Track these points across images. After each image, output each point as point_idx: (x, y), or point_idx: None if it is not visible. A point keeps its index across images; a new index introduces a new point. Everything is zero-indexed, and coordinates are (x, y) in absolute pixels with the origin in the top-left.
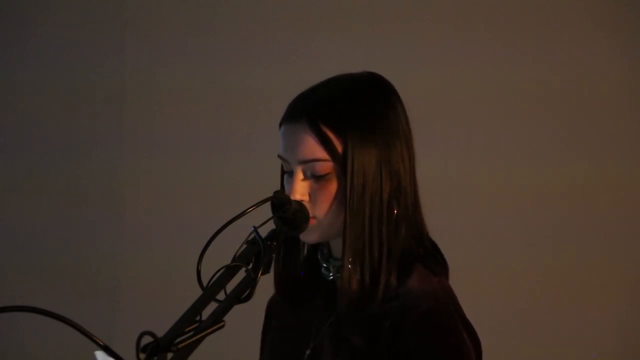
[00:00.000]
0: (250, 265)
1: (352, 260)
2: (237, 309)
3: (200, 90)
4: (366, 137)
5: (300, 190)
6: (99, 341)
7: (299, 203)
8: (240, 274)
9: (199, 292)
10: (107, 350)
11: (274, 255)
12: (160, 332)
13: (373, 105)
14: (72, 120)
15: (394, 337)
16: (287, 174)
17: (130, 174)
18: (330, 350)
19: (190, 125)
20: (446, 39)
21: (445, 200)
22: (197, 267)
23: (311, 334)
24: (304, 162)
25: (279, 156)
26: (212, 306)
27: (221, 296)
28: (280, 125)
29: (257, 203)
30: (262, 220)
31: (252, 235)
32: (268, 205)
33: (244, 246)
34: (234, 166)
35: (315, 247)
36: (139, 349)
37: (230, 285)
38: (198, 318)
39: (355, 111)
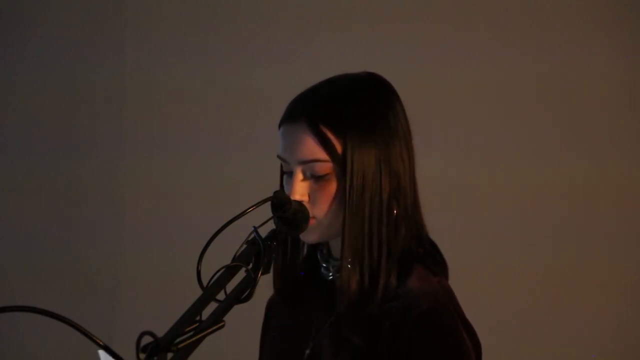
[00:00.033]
0: (250, 265)
1: (352, 261)
2: (237, 309)
3: (200, 90)
4: (366, 138)
5: (299, 190)
6: (99, 341)
7: (299, 203)
8: (240, 274)
9: (199, 292)
10: (107, 350)
11: (274, 255)
12: (160, 332)
13: (372, 105)
14: (72, 120)
15: (394, 337)
16: (286, 174)
17: (130, 174)
18: (330, 350)
19: (190, 125)
20: (446, 39)
21: (445, 200)
22: (197, 267)
23: (311, 334)
24: (304, 163)
25: (279, 156)
26: (212, 306)
27: (221, 296)
28: (280, 125)
29: (257, 203)
30: (262, 220)
31: (252, 235)
32: (268, 205)
33: (244, 246)
34: (234, 166)
35: (314, 247)
36: (139, 349)
37: (230, 285)
38: (198, 318)
39: (354, 111)
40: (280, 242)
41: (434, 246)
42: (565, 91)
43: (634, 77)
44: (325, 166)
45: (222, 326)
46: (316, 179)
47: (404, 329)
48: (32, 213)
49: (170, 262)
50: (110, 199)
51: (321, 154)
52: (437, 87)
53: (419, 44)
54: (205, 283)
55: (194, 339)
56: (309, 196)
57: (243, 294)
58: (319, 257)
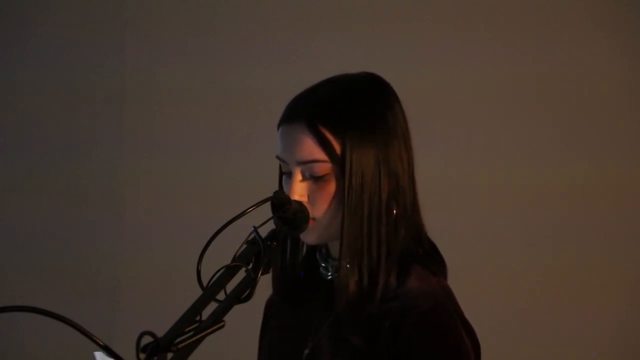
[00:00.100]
0: (250, 265)
1: (351, 261)
2: (237, 309)
3: (200, 90)
4: (364, 138)
5: (298, 191)
6: (99, 341)
7: (299, 203)
8: (240, 274)
9: (199, 292)
10: (107, 350)
11: (274, 256)
12: (160, 332)
13: (371, 105)
14: (72, 120)
15: (393, 337)
16: (285, 174)
17: (130, 174)
18: (329, 350)
19: (190, 125)
20: (446, 39)
21: (445, 200)
22: (197, 267)
23: (310, 334)
24: (303, 163)
25: (278, 157)
26: (212, 306)
27: (221, 296)
28: (279, 126)
29: (257, 203)
30: (262, 220)
31: (252, 235)
32: (268, 205)
33: (244, 246)
34: (234, 166)
35: (314, 247)
36: (139, 349)
37: (230, 285)
38: (198, 318)
39: (353, 112)
40: (280, 242)
41: (433, 246)
42: (565, 91)
43: (634, 77)
44: (324, 166)
45: (222, 326)
46: (315, 180)
47: (403, 329)
48: (32, 213)
49: (170, 262)
50: (110, 199)
51: (320, 154)
52: (437, 87)
53: (419, 44)
54: (205, 283)
55: (194, 339)
56: (308, 197)
57: (243, 294)
58: (318, 257)
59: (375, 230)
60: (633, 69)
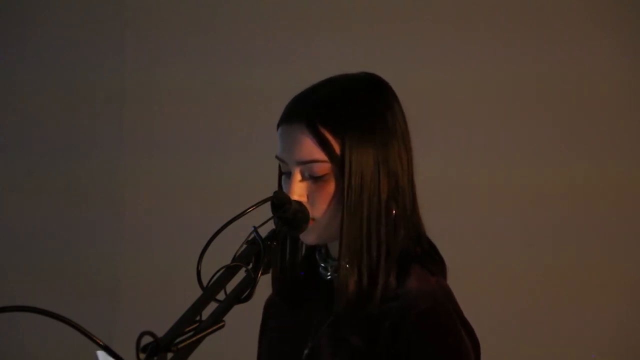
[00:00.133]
0: (250, 265)
1: (350, 261)
2: (237, 309)
3: (200, 90)
4: (364, 138)
5: (298, 191)
6: (99, 341)
7: (299, 203)
8: (240, 274)
9: (199, 292)
10: (107, 350)
11: (274, 256)
12: (160, 332)
13: (370, 105)
14: (72, 120)
15: (393, 337)
16: (285, 174)
17: (130, 174)
18: (328, 350)
19: (190, 125)
20: (446, 39)
21: (445, 200)
22: (197, 267)
23: (310, 334)
24: (302, 163)
25: (277, 157)
26: (212, 306)
27: (221, 296)
28: (278, 126)
29: (257, 203)
30: (262, 220)
31: (252, 235)
32: (268, 205)
33: (244, 246)
34: (234, 166)
35: (313, 247)
36: (139, 349)
37: (230, 285)
38: (198, 318)
39: (352, 112)
40: (280, 242)
41: (432, 246)
42: (565, 91)
43: (634, 77)
44: (324, 167)
45: (222, 326)
46: (314, 180)
47: (403, 329)
48: (32, 213)
49: (170, 262)
50: (110, 199)
51: (319, 154)
52: (437, 87)
53: (419, 44)
54: (205, 283)
55: (194, 339)
56: (307, 197)
57: (243, 294)
58: (317, 257)
59: (375, 231)
60: (633, 69)
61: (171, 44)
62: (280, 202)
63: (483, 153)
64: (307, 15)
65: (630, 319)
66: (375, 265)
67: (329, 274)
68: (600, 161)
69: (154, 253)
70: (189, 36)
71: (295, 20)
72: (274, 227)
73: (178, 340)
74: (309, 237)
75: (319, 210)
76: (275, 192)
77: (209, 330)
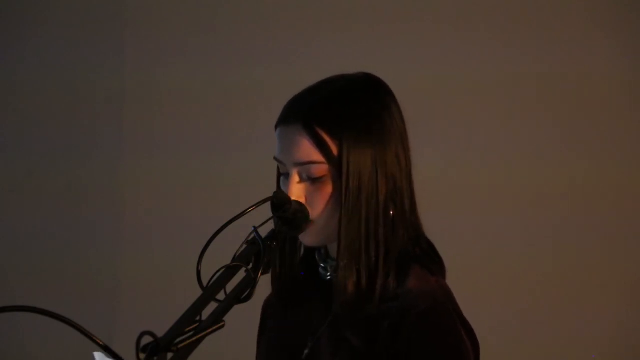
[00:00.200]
0: (250, 265)
1: (348, 262)
2: (237, 309)
3: (200, 90)
4: (361, 139)
5: (296, 192)
6: (99, 341)
7: (299, 203)
8: (241, 274)
9: (199, 292)
10: (107, 350)
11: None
12: (160, 332)
13: (368, 106)
14: (72, 120)
15: (393, 337)
16: (283, 176)
17: (130, 174)
18: (328, 350)
19: (190, 125)
20: (446, 39)
21: (445, 200)
22: (197, 267)
23: (309, 334)
24: (300, 165)
25: (275, 158)
26: (212, 306)
27: (221, 296)
28: (276, 127)
29: (257, 203)
30: (262, 220)
31: (252, 235)
32: (268, 205)
33: (244, 246)
34: (234, 166)
35: (313, 248)
36: (139, 349)
37: (230, 285)
38: (198, 318)
39: (350, 113)
40: (280, 242)
41: (431, 246)
42: (565, 91)
43: (634, 77)
44: (321, 168)
45: (222, 326)
46: (312, 181)
47: (403, 329)
48: (32, 213)
49: (170, 262)
50: (110, 199)
51: (317, 155)
52: (437, 87)
53: (419, 44)
54: (205, 283)
55: (194, 339)
56: (305, 198)
57: (243, 294)
58: (317, 257)
59: (373, 232)
60: (633, 69)
61: (171, 44)
62: (280, 202)
63: (483, 153)
64: (307, 15)
65: (630, 319)
66: (373, 266)
67: (328, 274)
68: (600, 161)
69: (154, 253)
70: (189, 36)
71: (295, 20)
72: (273, 227)
73: (178, 340)
74: (308, 239)
75: (317, 211)
76: (275, 192)
77: (209, 330)
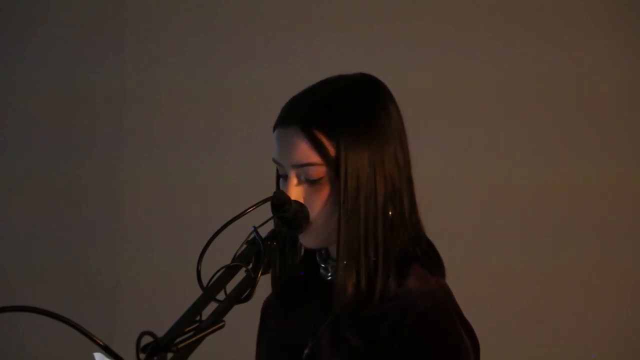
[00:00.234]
0: (250, 265)
1: (348, 264)
2: (237, 309)
3: (200, 90)
4: (359, 140)
5: (294, 194)
6: (99, 341)
7: (299, 203)
8: (240, 274)
9: (199, 292)
10: (107, 350)
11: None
12: (160, 332)
13: (365, 107)
14: (72, 120)
15: (393, 337)
16: (282, 177)
17: (130, 174)
18: (328, 350)
19: (190, 125)
20: (446, 39)
21: (445, 200)
22: (197, 267)
23: (309, 334)
24: (298, 167)
25: (274, 160)
26: (212, 306)
27: (221, 296)
28: (274, 129)
29: (257, 203)
30: (262, 220)
31: (252, 235)
32: (268, 205)
33: (244, 246)
34: (234, 166)
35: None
36: (139, 349)
37: (230, 285)
38: (198, 318)
39: (347, 114)
40: (280, 242)
41: (431, 246)
42: (565, 91)
43: (634, 77)
44: (319, 170)
45: (222, 326)
46: (311, 183)
47: (403, 329)
48: (32, 213)
49: (170, 262)
50: (110, 199)
51: (315, 157)
52: (437, 87)
53: (419, 44)
54: (205, 283)
55: (194, 339)
56: (304, 200)
57: (243, 294)
58: (317, 257)
59: (372, 233)
60: (633, 69)
61: (171, 44)
62: (280, 202)
63: (483, 153)
64: (307, 15)
65: (630, 319)
66: (373, 267)
67: (329, 274)
68: (600, 161)
69: (154, 253)
70: (189, 36)
71: (295, 20)
72: (273, 227)
73: (178, 340)
74: (307, 241)
75: (316, 213)
76: (275, 192)
77: (209, 330)
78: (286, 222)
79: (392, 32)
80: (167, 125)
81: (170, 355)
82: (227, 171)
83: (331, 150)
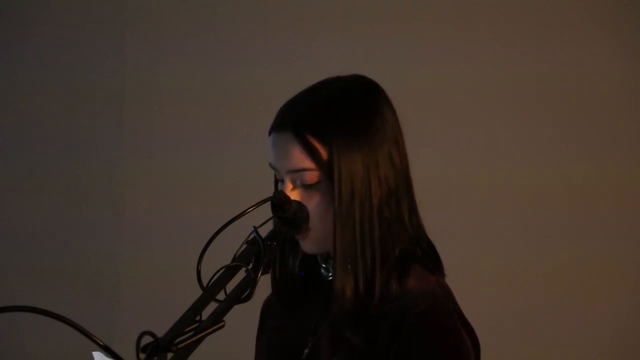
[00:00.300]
0: (250, 265)
1: (345, 268)
2: (237, 309)
3: (200, 90)
4: (352, 144)
5: None
6: (99, 341)
7: (299, 203)
8: (241, 274)
9: (199, 292)
10: (107, 350)
11: (274, 256)
12: (160, 332)
13: (358, 110)
14: (72, 120)
15: (393, 337)
16: (279, 182)
17: (130, 174)
18: (328, 350)
19: (190, 125)
20: (446, 39)
21: (445, 200)
22: (197, 267)
23: (309, 334)
24: (292, 172)
25: (270, 165)
26: (212, 306)
27: (221, 296)
28: (270, 133)
29: (257, 203)
30: (262, 220)
31: (252, 235)
32: (268, 205)
33: (244, 246)
34: (234, 166)
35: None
36: (139, 349)
37: (230, 285)
38: (198, 318)
39: (340, 118)
40: (280, 242)
41: (431, 246)
42: (565, 91)
43: (634, 77)
44: (314, 175)
45: (222, 326)
46: (306, 188)
47: (403, 329)
48: (32, 213)
49: (170, 262)
50: (110, 199)
51: (308, 163)
52: (437, 87)
53: (419, 44)
54: (205, 283)
55: (194, 339)
56: None
57: (243, 294)
58: (318, 257)
59: (368, 236)
60: (633, 69)
61: (171, 44)
62: (280, 202)
63: (483, 153)
64: (307, 15)
65: (630, 319)
66: (370, 270)
67: (330, 274)
68: (600, 161)
69: (154, 253)
70: (189, 36)
71: (295, 20)
72: (273, 227)
73: (178, 340)
74: (307, 246)
75: (313, 217)
76: (275, 192)
77: (209, 330)
78: (286, 222)
79: (392, 32)
80: (167, 125)
81: (170, 355)
82: (227, 171)
83: (325, 155)
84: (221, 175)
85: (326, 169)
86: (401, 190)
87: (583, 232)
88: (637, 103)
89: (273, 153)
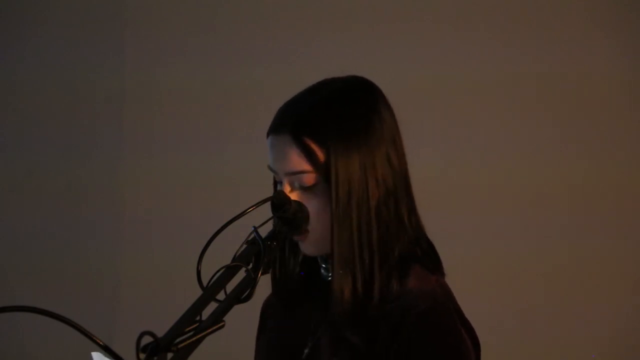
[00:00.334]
0: (250, 265)
1: (344, 270)
2: (237, 309)
3: (200, 90)
4: (349, 145)
5: None
6: (99, 341)
7: (299, 203)
8: (241, 274)
9: (199, 292)
10: (107, 350)
11: (274, 256)
12: (160, 332)
13: (355, 111)
14: (72, 120)
15: (393, 337)
16: (278, 183)
17: (130, 174)
18: (328, 350)
19: (190, 125)
20: (446, 39)
21: (445, 200)
22: (197, 267)
23: (309, 334)
24: (290, 174)
25: (269, 167)
26: (212, 306)
27: (221, 296)
28: (267, 135)
29: (257, 203)
30: (262, 220)
31: (252, 235)
32: (268, 205)
33: (244, 246)
34: (234, 166)
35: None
36: (139, 349)
37: (230, 285)
38: (198, 318)
39: (337, 120)
40: (280, 242)
41: (430, 246)
42: (565, 91)
43: (634, 77)
44: (311, 177)
45: (222, 326)
46: (304, 190)
47: (403, 329)
48: (32, 213)
49: (170, 262)
50: (110, 199)
51: (306, 165)
52: (437, 87)
53: (419, 44)
54: (205, 283)
55: (194, 339)
56: None
57: (243, 294)
58: (318, 258)
59: (366, 237)
60: (633, 69)
61: (171, 44)
62: (280, 202)
63: (483, 153)
64: (307, 15)
65: (630, 319)
66: (369, 271)
67: (330, 275)
68: (600, 161)
69: (154, 253)
70: (189, 36)
71: (295, 20)
72: (273, 227)
73: (178, 340)
74: (307, 248)
75: (311, 219)
76: (275, 192)
77: (209, 330)
78: (286, 222)
79: (392, 32)
80: (167, 125)
81: (170, 355)
82: (227, 171)
83: (322, 157)
84: (221, 175)
85: (323, 171)
86: (400, 191)
87: (583, 232)
88: (637, 103)
89: (271, 155)
